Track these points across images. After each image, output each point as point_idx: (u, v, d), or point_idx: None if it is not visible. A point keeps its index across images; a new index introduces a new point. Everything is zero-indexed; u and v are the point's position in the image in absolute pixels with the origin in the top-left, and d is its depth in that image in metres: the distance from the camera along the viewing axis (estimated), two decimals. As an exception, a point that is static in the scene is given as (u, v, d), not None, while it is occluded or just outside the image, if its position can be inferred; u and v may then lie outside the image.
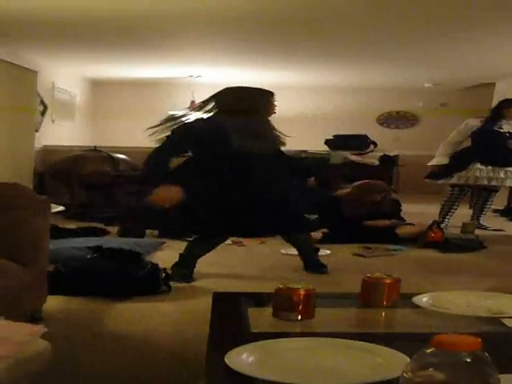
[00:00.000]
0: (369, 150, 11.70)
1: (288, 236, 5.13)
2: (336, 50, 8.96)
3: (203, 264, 4.97)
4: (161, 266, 4.56)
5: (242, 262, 5.57)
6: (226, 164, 4.66)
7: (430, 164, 7.96)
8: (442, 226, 7.50)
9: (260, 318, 2.08)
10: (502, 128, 7.62)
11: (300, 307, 1.98)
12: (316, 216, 6.82)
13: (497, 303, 2.19)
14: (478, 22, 7.01)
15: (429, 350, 1.15)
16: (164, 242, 6.19)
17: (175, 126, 4.81)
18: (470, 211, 8.41)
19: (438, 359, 1.13)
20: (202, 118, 4.85)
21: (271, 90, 5.04)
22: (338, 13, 6.64)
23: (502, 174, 7.58)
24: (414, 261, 6.04)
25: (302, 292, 1.98)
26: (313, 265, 5.12)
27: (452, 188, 7.94)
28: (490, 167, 7.58)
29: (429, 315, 2.13)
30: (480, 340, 1.12)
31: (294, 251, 5.33)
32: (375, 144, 11.89)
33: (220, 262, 5.29)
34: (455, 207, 7.97)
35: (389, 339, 1.85)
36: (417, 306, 2.19)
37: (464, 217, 8.04)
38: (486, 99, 11.19)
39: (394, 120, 13.97)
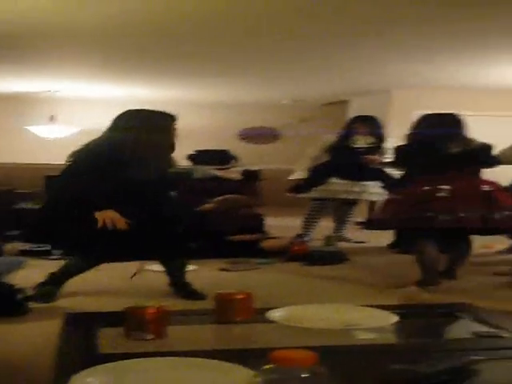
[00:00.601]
0: (231, 164, 11.76)
1: (168, 260, 5.05)
2: (198, 67, 8.99)
3: (69, 282, 4.84)
4: (20, 285, 4.42)
5: (110, 280, 5.45)
6: (116, 187, 4.59)
7: (290, 178, 8.12)
8: (306, 239, 7.63)
9: (111, 338, 2.03)
10: (356, 143, 7.86)
11: (152, 326, 1.95)
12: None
13: (350, 316, 2.22)
14: (334, 43, 7.23)
15: (268, 367, 1.14)
16: (25, 261, 5.98)
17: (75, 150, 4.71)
18: (333, 224, 8.60)
19: (277, 375, 1.13)
20: (100, 142, 4.75)
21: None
22: (198, 31, 6.66)
23: (358, 188, 7.81)
24: (279, 274, 6.10)
25: (153, 310, 1.94)
26: (190, 292, 5.01)
27: (313, 202, 8.11)
28: (346, 181, 7.80)
29: (282, 330, 2.13)
30: (315, 355, 1.12)
31: (161, 267, 5.27)
32: (237, 159, 11.97)
33: (87, 281, 5.14)
34: (317, 220, 8.13)
35: (241, 356, 1.83)
36: (271, 321, 2.19)
37: (327, 230, 8.21)
38: (343, 115, 11.58)
39: (256, 135, 14.13)
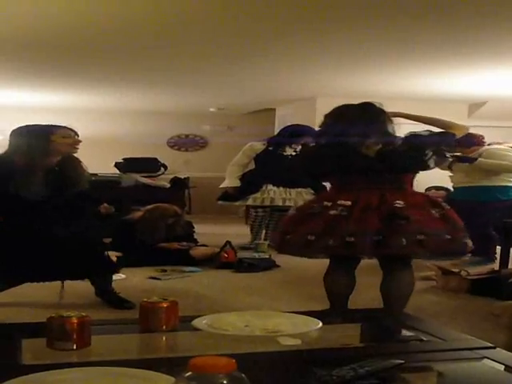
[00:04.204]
0: (159, 172, 11.73)
1: (93, 277, 4.96)
2: (123, 74, 8.93)
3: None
4: None
5: (35, 291, 5.35)
6: (19, 206, 4.50)
7: (222, 186, 8.14)
8: (253, 245, 7.73)
9: (34, 349, 2.00)
10: (285, 151, 7.96)
11: (74, 336, 1.92)
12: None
13: (273, 322, 2.23)
14: (259, 53, 7.28)
15: (187, 374, 1.15)
16: None
17: None
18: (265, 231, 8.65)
19: (195, 382, 1.13)
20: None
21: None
22: (125, 39, 6.63)
23: (293, 195, 7.89)
24: (208, 282, 6.11)
25: (75, 320, 1.92)
26: (117, 301, 4.98)
27: (255, 209, 8.17)
28: (281, 188, 7.88)
29: (207, 337, 2.13)
30: (234, 361, 1.13)
31: None
32: (166, 167, 11.94)
33: (11, 292, 5.02)
34: (263, 227, 8.23)
35: (165, 364, 1.83)
36: (197, 329, 2.19)
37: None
38: (269, 123, 11.68)
39: (184, 143, 14.13)
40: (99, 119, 13.07)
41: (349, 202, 4.07)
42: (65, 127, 4.76)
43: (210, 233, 8.73)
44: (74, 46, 7.00)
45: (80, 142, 4.75)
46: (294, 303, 5.09)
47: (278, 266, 6.97)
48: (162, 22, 5.90)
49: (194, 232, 7.67)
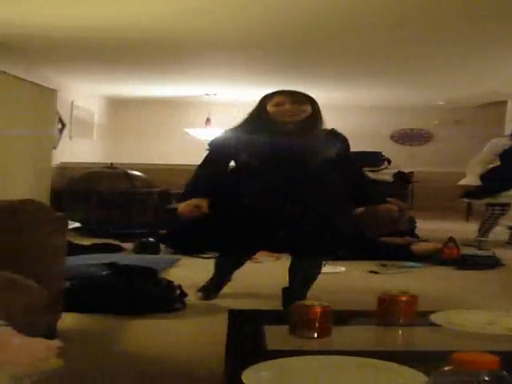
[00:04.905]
0: (383, 166, 11.69)
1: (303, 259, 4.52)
2: (350, 71, 8.99)
3: (229, 284, 4.84)
4: (176, 282, 4.51)
5: (259, 279, 5.51)
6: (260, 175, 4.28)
7: (461, 183, 7.93)
8: (481, 243, 7.54)
9: (276, 335, 2.06)
10: None
11: (317, 324, 1.97)
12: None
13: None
14: (491, 40, 7.03)
15: (447, 369, 1.14)
16: (180, 259, 6.16)
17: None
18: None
19: (457, 378, 1.12)
20: (240, 128, 4.44)
21: None
22: (352, 33, 6.67)
23: None
24: (430, 278, 6.01)
25: (318, 309, 1.97)
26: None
27: (493, 207, 7.93)
28: None
29: (447, 333, 2.10)
30: (499, 359, 1.11)
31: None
32: (389, 161, 11.88)
33: (236, 279, 5.18)
34: (495, 225, 8.00)
35: (406, 357, 1.83)
36: (434, 324, 2.17)
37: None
38: (498, 117, 11.22)
39: (409, 137, 13.99)
40: (324, 114, 13.23)
41: None
42: (281, 92, 4.50)
43: (432, 228, 8.57)
44: (303, 43, 7.15)
45: (300, 110, 4.50)
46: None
47: (503, 265, 6.72)
48: (396, 18, 5.87)
49: (415, 227, 7.57)
